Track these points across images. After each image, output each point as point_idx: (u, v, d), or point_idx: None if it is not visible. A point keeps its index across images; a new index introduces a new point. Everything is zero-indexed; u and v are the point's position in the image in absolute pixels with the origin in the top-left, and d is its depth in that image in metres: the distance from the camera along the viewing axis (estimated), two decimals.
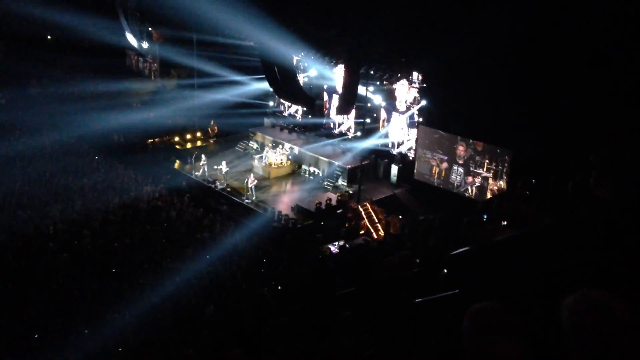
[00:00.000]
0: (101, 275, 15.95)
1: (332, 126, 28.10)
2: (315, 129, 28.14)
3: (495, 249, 4.29)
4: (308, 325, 6.13)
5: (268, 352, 6.22)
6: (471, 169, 21.20)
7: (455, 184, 21.83)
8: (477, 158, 20.99)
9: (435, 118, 22.40)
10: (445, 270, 5.30)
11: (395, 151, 25.06)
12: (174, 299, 15.00)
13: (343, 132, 27.56)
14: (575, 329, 2.03)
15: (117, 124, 28.14)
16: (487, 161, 20.73)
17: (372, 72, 23.90)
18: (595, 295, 2.06)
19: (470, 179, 21.32)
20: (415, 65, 22.88)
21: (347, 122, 27.29)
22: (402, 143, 24.79)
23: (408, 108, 24.10)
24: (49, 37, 33.91)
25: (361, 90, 22.69)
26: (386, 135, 25.43)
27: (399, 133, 24.81)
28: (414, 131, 23.81)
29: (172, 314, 13.98)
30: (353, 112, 25.19)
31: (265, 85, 25.85)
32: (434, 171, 22.66)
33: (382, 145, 25.44)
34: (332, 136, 27.45)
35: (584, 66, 15.88)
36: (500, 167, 20.32)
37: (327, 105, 27.96)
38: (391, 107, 24.99)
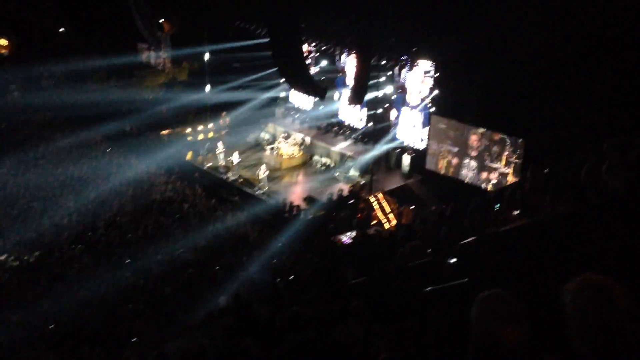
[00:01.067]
0: (115, 266, 16.10)
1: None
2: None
3: (504, 238, 4.29)
4: (319, 315, 6.16)
5: (279, 342, 6.27)
6: (486, 163, 20.85)
7: (466, 180, 21.56)
8: (494, 149, 20.59)
9: (448, 107, 22.22)
10: (454, 259, 5.30)
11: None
12: (185, 289, 15.15)
13: (353, 125, 27.23)
14: (577, 313, 2.05)
15: (129, 115, 28.35)
16: (507, 153, 20.27)
17: (383, 63, 23.78)
18: (596, 279, 2.07)
19: (485, 174, 20.98)
20: (427, 53, 22.71)
21: (357, 114, 27.07)
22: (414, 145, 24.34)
23: (422, 101, 23.79)
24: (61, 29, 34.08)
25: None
26: (394, 138, 25.10)
27: (411, 132, 24.44)
28: (427, 130, 23.45)
29: (184, 304, 14.11)
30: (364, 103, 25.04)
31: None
32: (441, 165, 22.43)
33: (393, 149, 25.14)
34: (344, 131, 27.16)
35: (599, 55, 15.72)
36: (517, 160, 19.89)
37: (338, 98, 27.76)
38: (401, 102, 24.71)
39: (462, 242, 4.89)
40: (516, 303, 2.32)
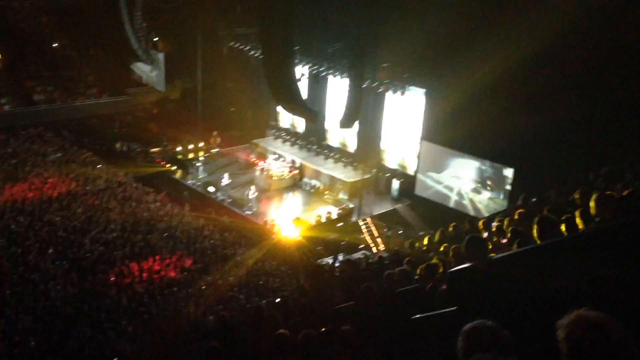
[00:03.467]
0: (100, 283, 15.90)
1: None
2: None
3: (495, 267, 4.30)
4: (306, 338, 6.11)
5: None
6: (475, 190, 21.03)
7: (455, 206, 21.68)
8: (483, 176, 20.81)
9: (437, 133, 22.38)
10: (444, 287, 5.30)
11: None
12: (172, 309, 14.99)
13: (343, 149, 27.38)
14: (572, 349, 2.05)
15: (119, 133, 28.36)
16: (496, 180, 20.47)
17: (373, 86, 23.96)
18: (590, 315, 2.08)
19: (473, 201, 21.12)
20: (419, 80, 22.91)
21: (348, 137, 27.19)
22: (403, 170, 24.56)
23: (412, 127, 23.99)
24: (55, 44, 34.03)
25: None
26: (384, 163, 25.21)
27: (401, 157, 24.63)
28: (414, 151, 23.66)
29: (172, 324, 13.94)
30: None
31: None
32: (430, 191, 22.55)
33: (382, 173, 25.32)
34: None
35: (588, 85, 15.96)
36: (506, 187, 20.11)
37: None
38: (391, 127, 24.91)
39: (451, 270, 4.89)
40: (502, 334, 2.31)
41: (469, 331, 2.37)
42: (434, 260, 7.42)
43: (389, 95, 24.47)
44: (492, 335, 2.30)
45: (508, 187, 20.03)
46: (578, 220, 5.23)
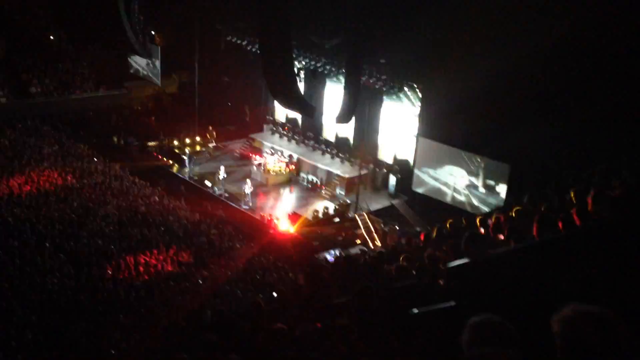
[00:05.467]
0: (97, 277, 15.91)
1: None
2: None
3: (493, 262, 4.33)
4: (302, 332, 6.14)
5: (264, 358, 6.23)
6: (471, 186, 21.06)
7: (452, 202, 21.72)
8: (480, 172, 20.82)
9: (434, 129, 22.38)
10: (442, 282, 5.33)
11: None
12: (169, 303, 15.01)
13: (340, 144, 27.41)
14: (567, 343, 2.07)
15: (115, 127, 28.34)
16: (492, 177, 20.49)
17: (371, 82, 23.94)
18: (586, 309, 2.10)
19: (470, 197, 21.16)
20: (415, 76, 22.90)
21: (344, 132, 27.19)
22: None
23: (409, 123, 24.01)
24: (51, 37, 33.90)
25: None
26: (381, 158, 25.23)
27: (398, 153, 24.66)
28: (411, 146, 23.70)
29: (168, 318, 13.95)
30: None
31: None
32: (427, 186, 22.58)
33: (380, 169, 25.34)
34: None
35: (585, 82, 15.98)
36: (502, 184, 20.14)
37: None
38: (388, 123, 24.93)
39: (450, 265, 4.92)
40: (508, 329, 2.33)
41: (475, 324, 2.38)
42: (430, 256, 7.45)
43: (386, 91, 24.44)
44: (498, 330, 2.32)
45: (505, 184, 20.06)
46: (575, 218, 5.27)
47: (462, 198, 21.54)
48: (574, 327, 2.07)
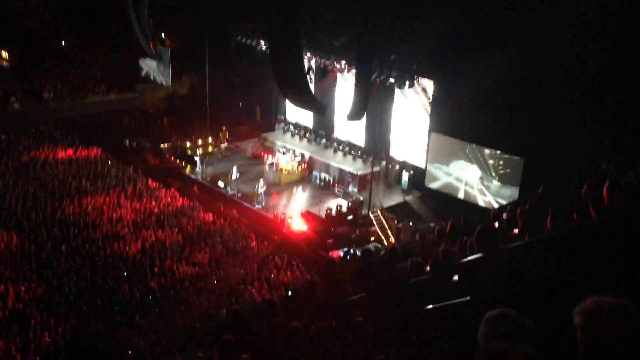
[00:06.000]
0: (112, 278, 16.02)
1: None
2: None
3: (507, 257, 4.30)
4: (317, 330, 6.14)
5: (278, 358, 6.24)
6: (484, 180, 20.94)
7: (465, 197, 21.61)
8: (493, 166, 20.68)
9: (447, 124, 22.27)
10: (456, 277, 5.29)
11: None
12: (185, 303, 15.10)
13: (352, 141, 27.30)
14: (589, 336, 2.05)
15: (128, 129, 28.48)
16: (506, 170, 20.33)
17: (382, 78, 23.83)
18: (607, 301, 2.08)
19: (483, 192, 21.04)
20: (427, 70, 22.77)
21: (357, 130, 27.11)
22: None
23: (420, 118, 23.89)
24: (62, 42, 34.17)
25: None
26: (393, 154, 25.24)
27: (410, 149, 24.57)
28: (423, 143, 23.58)
29: (183, 318, 14.04)
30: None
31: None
32: (439, 182, 22.48)
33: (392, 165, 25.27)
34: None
35: (599, 74, 15.84)
36: (516, 177, 19.98)
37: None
38: (400, 118, 24.82)
39: (464, 260, 4.89)
40: (525, 323, 2.31)
41: (493, 318, 2.37)
42: (445, 252, 7.41)
43: (398, 87, 24.32)
44: (514, 324, 2.31)
45: (518, 178, 19.93)
46: (591, 210, 5.20)
47: (475, 193, 21.44)
48: (596, 319, 2.06)
